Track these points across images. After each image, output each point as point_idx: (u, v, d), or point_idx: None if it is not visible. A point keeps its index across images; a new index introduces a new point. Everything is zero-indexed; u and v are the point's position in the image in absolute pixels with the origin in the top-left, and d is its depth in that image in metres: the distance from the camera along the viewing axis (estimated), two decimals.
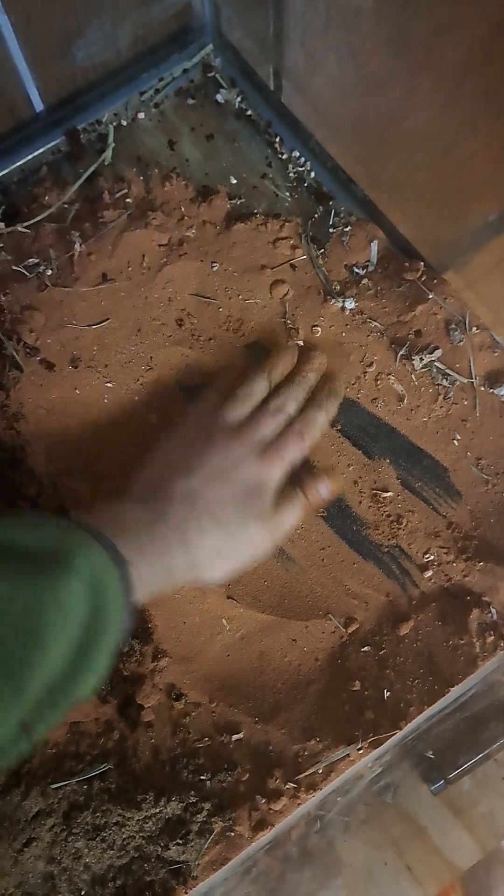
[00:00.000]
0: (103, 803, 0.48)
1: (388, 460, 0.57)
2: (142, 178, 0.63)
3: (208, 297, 0.60)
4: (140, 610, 0.53)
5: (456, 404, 0.57)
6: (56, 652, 0.38)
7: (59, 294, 0.58)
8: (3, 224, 0.60)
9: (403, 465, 0.57)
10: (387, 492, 0.56)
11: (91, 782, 0.49)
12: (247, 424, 0.52)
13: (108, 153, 0.64)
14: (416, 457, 0.57)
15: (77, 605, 0.39)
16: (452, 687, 0.51)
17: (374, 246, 0.61)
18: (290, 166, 0.65)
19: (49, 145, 0.65)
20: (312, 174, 0.64)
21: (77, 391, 0.57)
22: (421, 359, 0.58)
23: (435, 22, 0.45)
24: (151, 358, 0.59)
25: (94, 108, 0.66)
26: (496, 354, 0.58)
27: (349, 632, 0.53)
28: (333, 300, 0.60)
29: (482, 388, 0.58)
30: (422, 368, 0.58)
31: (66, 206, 0.62)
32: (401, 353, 0.58)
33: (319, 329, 0.59)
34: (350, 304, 0.60)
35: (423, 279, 0.60)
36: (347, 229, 0.62)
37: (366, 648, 0.53)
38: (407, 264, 0.60)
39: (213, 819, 0.48)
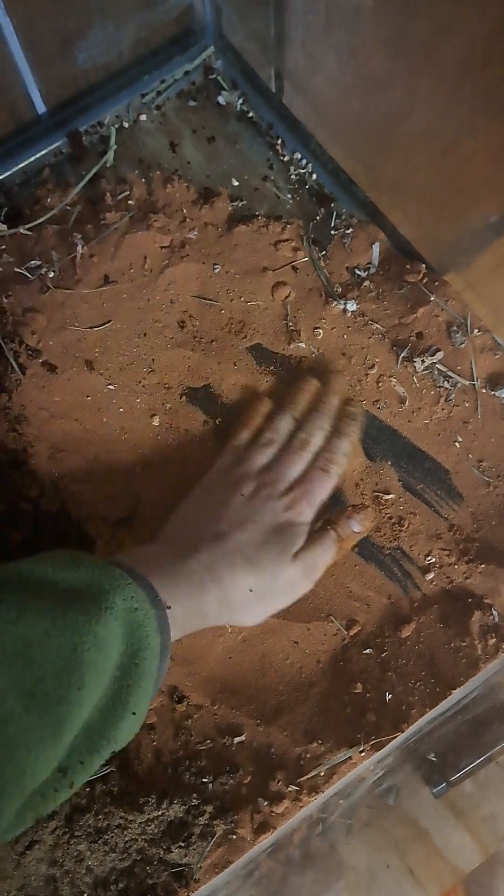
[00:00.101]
0: (105, 806, 0.48)
1: (389, 462, 0.57)
2: (143, 180, 0.63)
3: (210, 299, 0.60)
4: None
5: (457, 406, 0.57)
6: (95, 692, 0.38)
7: (61, 296, 0.58)
8: (5, 226, 0.60)
9: (405, 468, 0.57)
10: (388, 494, 0.56)
11: (93, 785, 0.48)
12: (273, 467, 0.53)
13: (110, 155, 0.64)
14: (417, 459, 0.57)
15: (115, 645, 0.39)
16: (454, 689, 0.51)
17: (376, 248, 0.61)
18: (292, 168, 0.65)
19: (51, 147, 0.65)
20: (314, 176, 0.64)
21: (79, 393, 0.57)
22: (422, 361, 0.58)
23: (435, 22, 0.45)
24: (153, 360, 0.59)
25: (95, 110, 0.66)
26: (497, 356, 0.58)
27: (351, 634, 0.53)
28: (335, 302, 0.60)
29: (483, 391, 0.58)
30: (423, 370, 0.58)
31: (68, 207, 0.62)
32: (402, 355, 0.58)
33: (321, 331, 0.59)
34: (352, 306, 0.60)
35: (424, 281, 0.60)
36: (349, 231, 0.62)
37: (367, 651, 0.53)
38: (408, 266, 0.60)
39: (215, 822, 0.48)
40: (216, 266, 0.61)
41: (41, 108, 0.63)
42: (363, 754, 0.50)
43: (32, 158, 0.65)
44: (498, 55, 0.43)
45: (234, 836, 0.48)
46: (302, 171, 0.65)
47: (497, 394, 0.57)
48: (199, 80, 0.68)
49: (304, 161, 0.65)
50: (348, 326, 0.60)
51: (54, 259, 0.59)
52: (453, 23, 0.44)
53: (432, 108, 0.51)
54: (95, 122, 0.66)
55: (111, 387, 0.58)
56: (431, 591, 0.54)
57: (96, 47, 0.62)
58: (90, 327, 0.58)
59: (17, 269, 0.59)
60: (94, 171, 0.63)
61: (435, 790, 0.58)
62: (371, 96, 0.56)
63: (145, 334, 0.59)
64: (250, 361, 0.59)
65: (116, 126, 0.66)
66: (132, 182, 0.62)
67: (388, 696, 0.51)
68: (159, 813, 0.48)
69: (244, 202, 0.63)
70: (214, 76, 0.67)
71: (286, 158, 0.65)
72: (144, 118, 0.66)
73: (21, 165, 0.64)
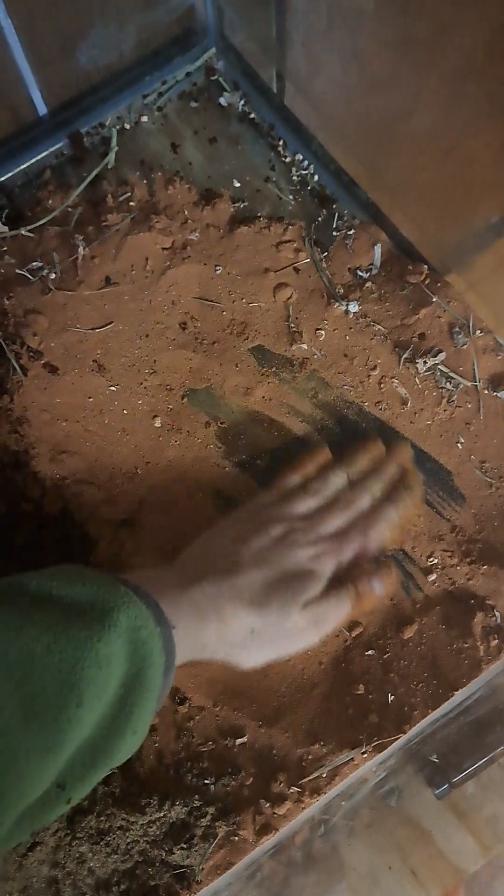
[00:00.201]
0: (107, 807, 0.48)
1: None
2: (145, 181, 0.63)
3: (212, 301, 0.60)
4: None
5: (460, 407, 0.57)
6: (94, 709, 0.37)
7: (63, 297, 0.58)
8: (6, 227, 0.60)
9: None
10: None
11: (95, 786, 0.48)
12: (311, 517, 0.51)
13: (112, 156, 0.64)
14: (419, 460, 0.57)
15: (117, 663, 0.38)
16: (456, 691, 0.51)
17: (378, 249, 0.61)
18: (294, 169, 0.65)
19: (52, 149, 0.65)
20: (315, 177, 0.64)
21: (81, 395, 0.57)
22: (424, 362, 0.58)
23: (437, 22, 0.45)
24: (155, 361, 0.59)
25: (97, 112, 0.66)
26: (500, 357, 0.58)
27: (353, 635, 0.53)
28: (337, 303, 0.60)
29: (486, 392, 0.58)
30: (425, 372, 0.58)
31: (69, 209, 0.62)
32: (404, 356, 0.58)
33: (323, 332, 0.59)
34: (354, 307, 0.60)
35: (426, 282, 0.60)
36: (351, 232, 0.62)
37: (370, 652, 0.52)
38: (410, 267, 0.60)
39: (217, 823, 0.48)
40: (218, 267, 0.61)
41: (42, 109, 0.63)
42: (365, 756, 0.49)
43: (34, 160, 0.65)
44: (500, 55, 0.43)
45: (236, 838, 0.48)
46: (304, 172, 0.65)
47: (499, 395, 0.57)
48: (201, 81, 0.68)
49: (306, 162, 0.65)
50: (350, 328, 0.60)
51: (56, 260, 0.59)
52: (455, 23, 0.44)
53: (434, 109, 0.50)
54: (97, 123, 0.66)
55: (113, 388, 0.58)
56: (434, 592, 0.54)
57: (97, 48, 0.62)
58: (92, 329, 0.58)
59: (18, 271, 0.59)
60: (95, 172, 0.63)
61: (437, 792, 0.58)
62: (373, 97, 0.56)
63: (147, 336, 0.59)
64: (252, 363, 0.59)
65: (118, 127, 0.66)
66: (133, 183, 0.62)
67: (391, 698, 0.51)
68: (161, 814, 0.48)
69: (246, 203, 0.63)
70: (216, 77, 0.67)
71: (288, 159, 0.65)
72: (146, 119, 0.66)
73: (22, 167, 0.64)
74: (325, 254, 0.62)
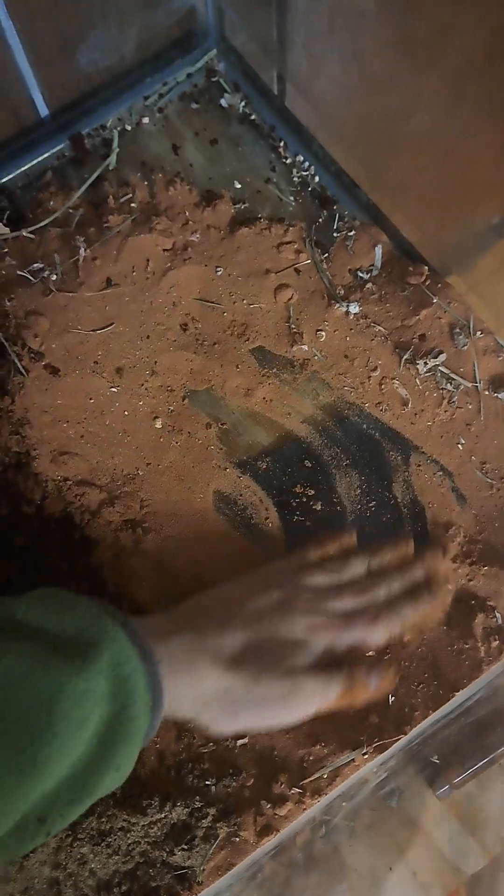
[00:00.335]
0: (108, 808, 0.48)
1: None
2: (146, 182, 0.63)
3: (213, 302, 0.60)
4: (140, 607, 0.52)
5: (460, 408, 0.57)
6: (72, 744, 0.37)
7: (64, 299, 0.58)
8: (7, 229, 0.60)
9: None
10: None
11: None
12: (321, 591, 0.48)
13: (113, 158, 0.64)
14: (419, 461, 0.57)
15: (99, 699, 0.38)
16: (457, 691, 0.51)
17: (378, 250, 0.61)
18: (294, 170, 0.65)
19: (54, 150, 0.65)
20: (316, 178, 0.64)
21: (82, 396, 0.57)
22: (425, 363, 0.58)
23: (437, 23, 0.45)
24: (156, 362, 0.59)
25: (98, 113, 0.66)
26: (500, 358, 0.58)
27: None
28: (338, 304, 0.60)
29: (486, 393, 0.58)
30: (426, 373, 0.58)
31: (70, 210, 0.62)
32: (405, 357, 0.58)
33: (324, 333, 0.59)
34: (354, 308, 0.60)
35: (426, 283, 0.60)
36: (351, 233, 0.62)
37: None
38: (411, 268, 0.60)
39: (218, 824, 0.48)
40: (218, 269, 0.61)
41: (44, 110, 0.63)
42: (366, 757, 0.49)
43: (35, 161, 0.65)
44: (500, 55, 0.43)
45: (237, 839, 0.48)
46: (304, 173, 0.65)
47: (500, 396, 0.57)
48: (202, 82, 0.68)
49: (307, 163, 0.65)
50: (351, 329, 0.60)
51: (57, 262, 0.59)
52: (455, 23, 0.44)
53: (435, 110, 0.51)
54: (98, 125, 0.66)
55: (113, 389, 0.58)
56: None
57: (98, 50, 0.62)
58: (93, 330, 0.58)
59: (19, 272, 0.59)
60: (96, 173, 0.63)
61: (438, 793, 0.58)
62: (373, 98, 0.56)
63: (148, 337, 0.59)
64: (253, 364, 0.59)
65: (119, 129, 0.66)
66: (135, 185, 0.63)
67: (391, 699, 0.51)
68: (162, 815, 0.48)
69: (246, 205, 0.63)
70: (217, 79, 0.67)
71: (288, 161, 0.65)
72: (147, 121, 0.66)
73: (23, 168, 0.64)
74: (326, 255, 0.62)
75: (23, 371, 0.56)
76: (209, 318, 0.60)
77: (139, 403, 0.58)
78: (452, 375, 0.58)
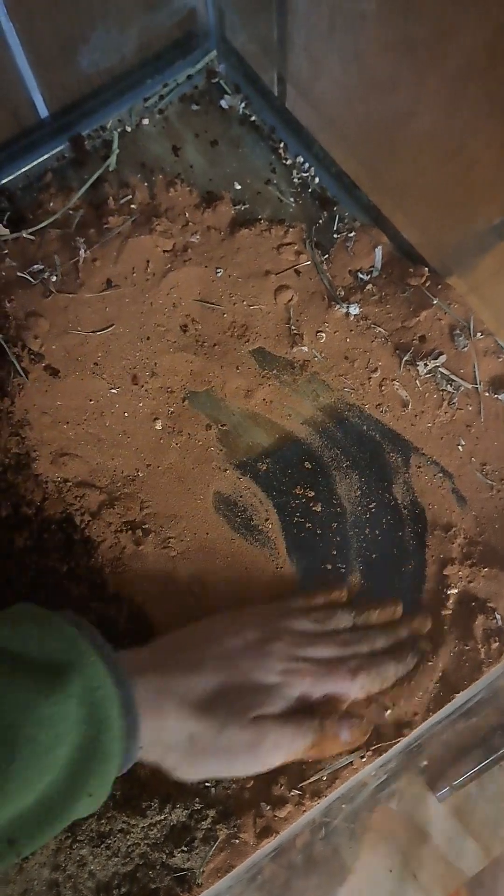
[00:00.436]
0: (108, 810, 0.48)
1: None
2: (146, 184, 0.63)
3: (213, 303, 0.60)
4: (140, 611, 0.52)
5: (460, 410, 0.57)
6: (39, 768, 0.36)
7: (64, 300, 0.58)
8: (7, 230, 0.60)
9: None
10: None
11: None
12: (301, 637, 0.47)
13: (113, 159, 0.64)
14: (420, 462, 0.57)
15: (69, 724, 0.37)
16: (458, 693, 0.51)
17: (379, 251, 0.61)
18: (295, 172, 0.65)
19: (54, 151, 0.65)
20: (316, 179, 0.64)
21: (82, 397, 0.57)
22: (425, 364, 0.58)
23: (438, 24, 0.45)
24: (156, 364, 0.59)
25: (98, 115, 0.66)
26: (500, 360, 0.58)
27: None
28: (338, 306, 0.60)
29: (486, 394, 0.58)
30: (426, 374, 0.58)
31: (70, 212, 0.62)
32: (405, 358, 0.58)
33: (324, 335, 0.59)
34: (354, 309, 0.60)
35: (427, 284, 0.60)
36: (352, 235, 0.62)
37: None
38: (411, 269, 0.60)
39: (217, 826, 0.48)
40: (219, 270, 0.61)
41: (44, 112, 0.63)
42: (365, 759, 0.49)
43: (35, 163, 0.65)
44: (501, 56, 0.43)
45: (237, 841, 0.48)
46: (304, 174, 0.65)
47: (500, 397, 0.57)
48: (202, 83, 0.68)
49: (307, 164, 0.65)
50: (351, 330, 0.60)
51: (57, 263, 0.59)
52: (456, 24, 0.44)
53: (436, 111, 0.50)
54: (98, 126, 0.66)
55: (113, 391, 0.58)
56: None
57: (99, 51, 0.62)
58: (93, 331, 0.58)
59: (19, 274, 0.59)
60: (96, 175, 0.63)
61: (438, 794, 0.58)
62: (374, 99, 0.56)
63: (148, 338, 0.59)
64: (253, 365, 0.59)
65: (119, 130, 0.66)
66: (135, 186, 0.63)
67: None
68: (162, 817, 0.48)
69: (247, 206, 0.63)
70: (217, 80, 0.67)
71: (289, 162, 0.65)
72: (147, 122, 0.66)
73: (24, 169, 0.65)
74: (326, 256, 0.62)
75: (22, 372, 0.56)
76: (209, 320, 0.60)
77: (139, 405, 0.58)
78: (453, 377, 0.58)
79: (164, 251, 0.60)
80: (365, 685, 0.47)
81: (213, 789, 0.49)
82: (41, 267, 0.59)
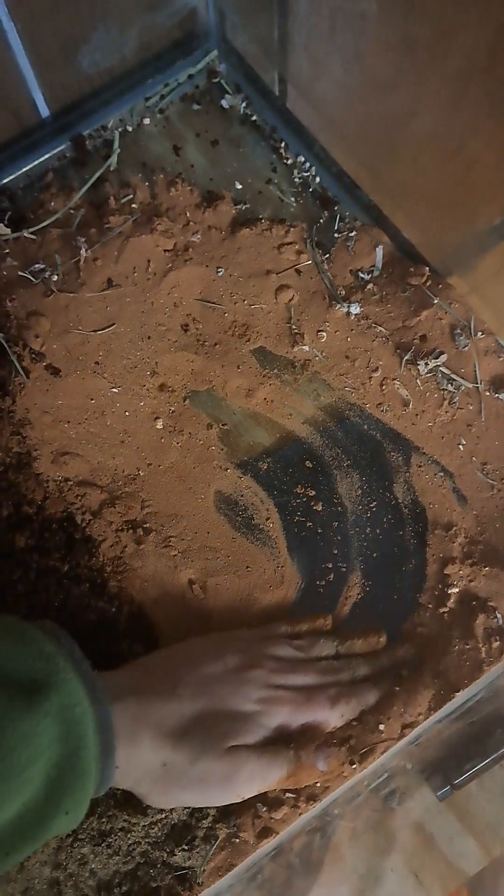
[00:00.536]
0: (109, 809, 0.48)
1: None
2: (147, 183, 0.63)
3: (214, 303, 0.60)
4: (141, 610, 0.52)
5: (461, 409, 0.57)
6: (13, 786, 0.36)
7: (65, 299, 0.58)
8: (9, 230, 0.61)
9: None
10: None
11: None
12: (283, 663, 0.47)
13: (114, 159, 0.64)
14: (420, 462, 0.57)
15: (44, 743, 0.37)
16: (458, 692, 0.51)
17: (380, 251, 0.61)
18: (295, 171, 0.65)
19: (55, 151, 0.65)
20: (317, 179, 0.64)
21: (83, 396, 0.57)
22: (426, 364, 0.58)
23: (439, 25, 0.45)
24: (157, 363, 0.59)
25: (99, 114, 0.66)
26: (501, 359, 0.58)
27: None
28: (339, 305, 0.60)
29: (487, 393, 0.58)
30: (427, 373, 0.58)
31: (71, 211, 0.62)
32: (406, 358, 0.58)
33: (324, 334, 0.59)
34: (355, 309, 0.60)
35: (427, 284, 0.60)
36: (352, 234, 0.62)
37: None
38: (412, 269, 0.60)
39: (217, 825, 0.48)
40: (219, 269, 0.61)
41: (45, 112, 0.63)
42: (354, 767, 0.49)
43: (36, 162, 0.65)
44: (502, 57, 0.43)
45: (237, 840, 0.48)
46: (305, 174, 0.65)
47: (501, 396, 0.57)
48: (203, 83, 0.68)
49: (308, 164, 0.65)
50: (352, 329, 0.60)
51: (58, 263, 0.59)
52: (457, 24, 0.44)
53: (437, 111, 0.51)
54: (99, 126, 0.66)
55: (115, 390, 0.58)
56: None
57: (100, 51, 0.62)
58: (94, 331, 0.58)
59: (20, 273, 0.59)
60: (97, 174, 0.63)
61: (439, 794, 0.58)
62: (375, 99, 0.56)
63: (149, 337, 0.59)
64: (254, 364, 0.59)
65: (120, 130, 0.66)
66: (136, 186, 0.63)
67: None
68: (162, 816, 0.48)
69: (247, 205, 0.63)
70: (218, 80, 0.67)
71: (289, 162, 0.65)
72: (148, 122, 0.66)
73: (25, 169, 0.65)
74: (327, 256, 0.62)
75: (24, 372, 0.56)
76: (210, 319, 0.60)
77: (140, 404, 0.58)
78: (453, 376, 0.58)
79: (165, 250, 0.61)
80: (345, 714, 0.47)
81: None
82: (42, 266, 0.59)
